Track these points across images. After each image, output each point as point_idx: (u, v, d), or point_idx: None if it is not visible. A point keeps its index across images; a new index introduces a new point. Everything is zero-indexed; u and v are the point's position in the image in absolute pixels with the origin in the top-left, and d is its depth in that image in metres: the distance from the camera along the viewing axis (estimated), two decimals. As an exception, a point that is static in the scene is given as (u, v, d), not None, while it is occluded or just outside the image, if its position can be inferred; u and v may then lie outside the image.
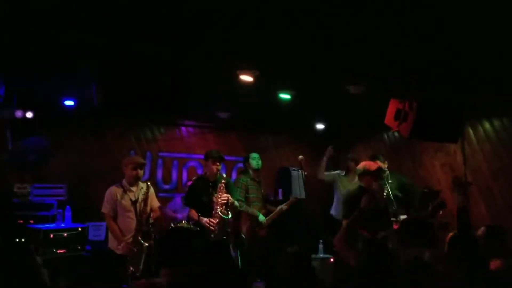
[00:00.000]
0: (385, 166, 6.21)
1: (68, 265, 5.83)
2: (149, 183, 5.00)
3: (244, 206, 5.88)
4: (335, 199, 7.04)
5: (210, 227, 5.11)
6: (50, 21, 3.50)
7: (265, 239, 5.90)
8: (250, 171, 6.12)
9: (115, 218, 4.90)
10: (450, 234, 3.46)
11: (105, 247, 5.13)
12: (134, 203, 4.90)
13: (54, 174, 6.99)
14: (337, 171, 7.20)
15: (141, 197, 4.93)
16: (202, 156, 8.13)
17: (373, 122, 6.42)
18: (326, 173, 7.06)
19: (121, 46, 3.81)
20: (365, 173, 4.93)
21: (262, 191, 6.13)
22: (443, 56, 4.12)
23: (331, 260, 5.73)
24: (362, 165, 5.08)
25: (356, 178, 6.83)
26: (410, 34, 3.59)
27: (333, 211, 6.96)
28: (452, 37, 3.63)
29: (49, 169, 6.95)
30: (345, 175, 7.02)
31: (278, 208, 6.13)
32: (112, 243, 4.96)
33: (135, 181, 5.00)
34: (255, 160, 6.04)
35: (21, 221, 6.17)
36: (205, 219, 5.16)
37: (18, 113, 6.34)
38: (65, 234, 6.02)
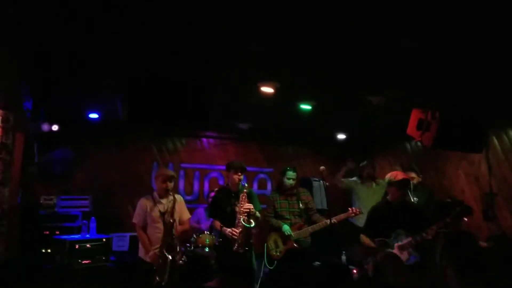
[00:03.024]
0: (418, 179, 6.13)
1: (93, 276, 5.92)
2: (176, 195, 5.02)
3: (273, 219, 5.88)
4: (354, 206, 6.97)
5: (233, 236, 5.12)
6: (76, 36, 3.60)
7: (298, 252, 5.83)
8: (284, 185, 6.06)
9: (144, 228, 4.99)
10: None
11: (128, 258, 5.18)
12: (162, 214, 4.95)
13: (79, 186, 7.13)
14: (354, 179, 7.13)
15: (169, 208, 4.98)
16: (224, 167, 8.23)
17: (395, 132, 6.37)
18: (343, 179, 7.03)
19: (145, 61, 3.90)
20: (390, 183, 4.82)
21: (301, 205, 5.98)
22: (465, 66, 4.09)
23: (354, 271, 5.65)
24: (388, 175, 4.93)
25: (374, 184, 6.79)
26: (431, 44, 3.58)
27: (352, 219, 6.92)
28: (474, 46, 3.61)
29: (75, 181, 7.10)
30: (361, 182, 6.94)
31: (323, 221, 5.96)
32: (142, 252, 5.02)
33: (165, 193, 5.06)
34: (290, 180, 5.98)
35: (47, 232, 6.29)
36: (228, 229, 5.19)
37: (45, 127, 6.49)
38: (90, 245, 6.11)
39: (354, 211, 5.80)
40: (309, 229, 5.82)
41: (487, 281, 2.88)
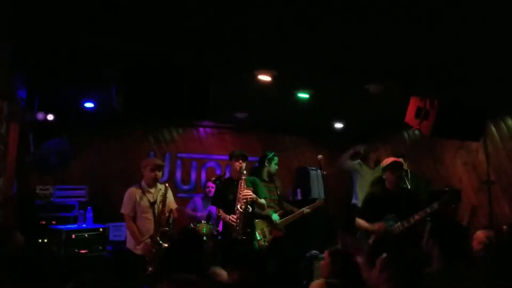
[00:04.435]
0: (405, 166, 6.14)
1: (90, 265, 5.91)
2: (167, 185, 5.03)
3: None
4: (356, 188, 6.95)
5: (231, 222, 5.14)
6: (72, 25, 3.55)
7: (281, 241, 5.86)
8: (264, 172, 6.06)
9: (134, 218, 4.94)
10: None
11: (125, 248, 5.18)
12: (152, 204, 4.93)
13: (75, 176, 7.11)
14: (358, 161, 7.15)
15: (159, 198, 4.95)
16: (220, 157, 8.24)
17: (393, 120, 6.34)
18: (348, 161, 7.04)
19: (141, 50, 3.85)
20: (383, 169, 4.93)
21: (278, 192, 6.05)
22: (463, 54, 4.06)
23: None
24: (381, 163, 5.05)
25: (376, 167, 6.81)
26: (430, 32, 3.54)
27: (355, 201, 6.91)
28: (473, 35, 3.58)
29: (70, 171, 7.06)
30: (365, 164, 6.96)
31: (300, 210, 6.06)
32: (130, 244, 5.00)
33: (153, 182, 5.04)
34: (276, 165, 6.00)
35: (44, 222, 6.26)
36: (228, 216, 5.20)
37: (40, 116, 6.43)
38: (87, 235, 6.08)
39: (320, 202, 6.04)
40: (291, 217, 5.87)
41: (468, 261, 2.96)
